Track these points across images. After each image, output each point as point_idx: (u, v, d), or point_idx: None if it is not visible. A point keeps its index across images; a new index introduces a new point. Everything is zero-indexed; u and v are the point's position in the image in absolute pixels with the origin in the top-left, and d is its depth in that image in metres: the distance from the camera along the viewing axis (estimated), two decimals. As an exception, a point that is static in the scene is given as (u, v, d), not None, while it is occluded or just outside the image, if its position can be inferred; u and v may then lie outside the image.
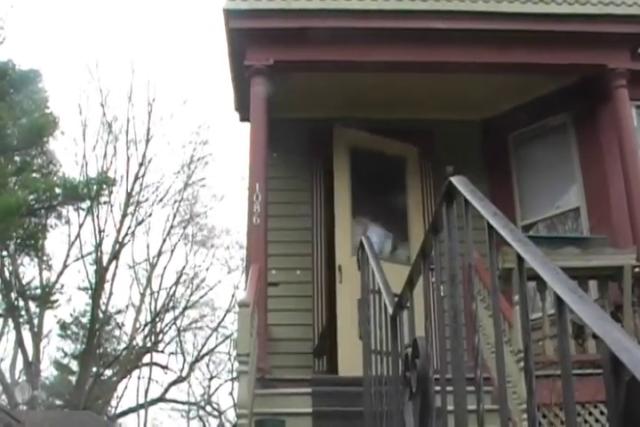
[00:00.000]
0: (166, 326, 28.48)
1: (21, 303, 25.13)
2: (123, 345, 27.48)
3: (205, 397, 30.93)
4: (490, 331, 6.64)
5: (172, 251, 28.11)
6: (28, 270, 25.58)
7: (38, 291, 24.86)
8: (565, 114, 9.49)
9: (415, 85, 9.27)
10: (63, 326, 27.22)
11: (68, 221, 25.16)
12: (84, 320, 26.34)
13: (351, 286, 7.88)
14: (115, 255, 25.45)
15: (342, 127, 8.99)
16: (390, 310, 3.64)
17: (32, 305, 25.49)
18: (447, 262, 2.77)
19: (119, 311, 27.35)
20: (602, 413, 6.64)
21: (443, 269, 2.92)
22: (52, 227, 24.05)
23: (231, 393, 28.58)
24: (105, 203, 25.10)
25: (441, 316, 3.03)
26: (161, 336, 28.28)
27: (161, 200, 27.30)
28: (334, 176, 8.65)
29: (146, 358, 27.92)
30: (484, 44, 8.41)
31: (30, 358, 25.09)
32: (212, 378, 31.14)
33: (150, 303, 27.85)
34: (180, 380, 29.30)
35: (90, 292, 25.31)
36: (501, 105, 9.71)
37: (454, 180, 2.67)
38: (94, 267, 25.28)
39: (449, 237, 2.75)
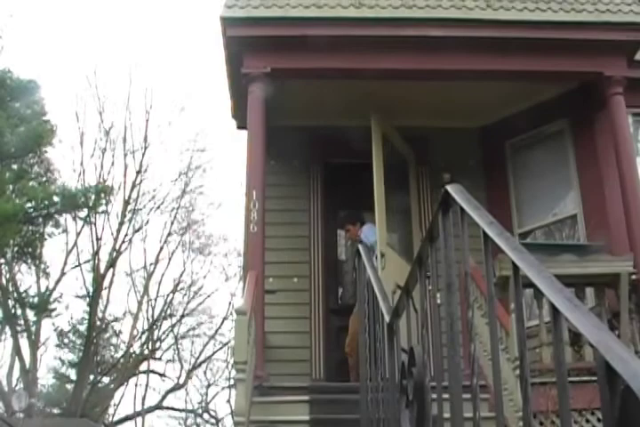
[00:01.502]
0: (163, 333, 28.45)
1: (19, 311, 25.08)
2: (120, 353, 27.43)
3: (203, 404, 30.88)
4: (486, 338, 6.63)
5: (170, 258, 28.09)
6: (26, 278, 25.57)
7: (36, 299, 24.81)
8: (562, 121, 9.50)
9: (412, 93, 9.28)
10: (60, 335, 27.18)
11: (65, 230, 25.13)
12: (82, 328, 26.30)
13: (391, 272, 7.90)
14: (112, 263, 25.41)
15: (378, 115, 8.97)
16: (387, 318, 3.64)
17: (29, 313, 25.44)
18: (444, 270, 2.77)
19: (116, 319, 27.31)
20: (599, 420, 6.63)
21: (439, 277, 2.92)
22: (49, 235, 24.03)
23: (229, 401, 28.52)
24: (103, 212, 25.08)
25: (437, 324, 3.03)
26: (158, 344, 28.25)
27: (158, 208, 27.29)
28: (374, 161, 8.58)
29: (143, 366, 27.88)
30: (480, 52, 8.43)
31: (27, 366, 25.03)
32: (209, 386, 31.09)
33: (147, 311, 27.81)
34: (177, 387, 29.24)
35: (87, 299, 25.28)
36: (498, 112, 9.72)
37: (450, 188, 2.67)
38: (92, 274, 25.25)
39: (445, 245, 2.75)
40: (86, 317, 25.48)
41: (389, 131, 9.22)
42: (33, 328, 25.63)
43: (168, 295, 28.13)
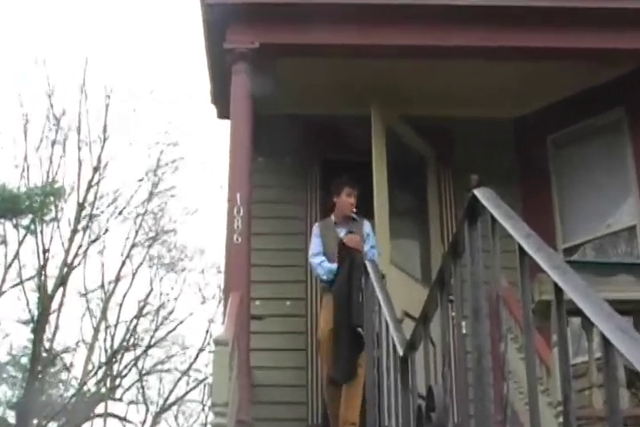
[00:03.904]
0: (125, 368, 28.41)
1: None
2: (71, 391, 27.42)
3: (173, 456, 30.87)
4: (523, 378, 6.63)
5: (134, 275, 28.07)
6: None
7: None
8: (618, 110, 9.50)
9: (433, 75, 9.30)
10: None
11: (4, 240, 25.13)
12: (24, 360, 26.27)
13: (397, 297, 7.89)
14: (62, 281, 25.39)
15: (380, 106, 8.99)
16: (400, 351, 3.65)
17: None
18: (470, 293, 2.78)
19: (67, 350, 27.29)
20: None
21: (465, 302, 2.93)
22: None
23: (205, 452, 28.51)
24: (52, 219, 25.05)
25: (462, 359, 3.04)
26: (118, 381, 28.21)
27: (120, 213, 27.29)
28: (374, 160, 8.62)
29: (100, 408, 27.86)
30: (517, 25, 8.44)
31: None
32: (181, 433, 31.08)
33: (106, 340, 27.79)
34: (141, 435, 29.23)
35: (31, 325, 25.26)
36: (539, 99, 9.73)
37: (479, 193, 2.69)
38: (37, 295, 25.23)
39: (472, 262, 2.76)
40: (30, 346, 25.46)
41: (396, 122, 9.23)
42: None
43: (131, 321, 28.12)
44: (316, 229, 8.19)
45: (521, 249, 2.39)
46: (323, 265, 7.77)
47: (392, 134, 9.07)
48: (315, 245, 7.99)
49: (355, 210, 8.13)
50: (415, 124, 9.45)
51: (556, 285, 2.15)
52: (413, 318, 6.13)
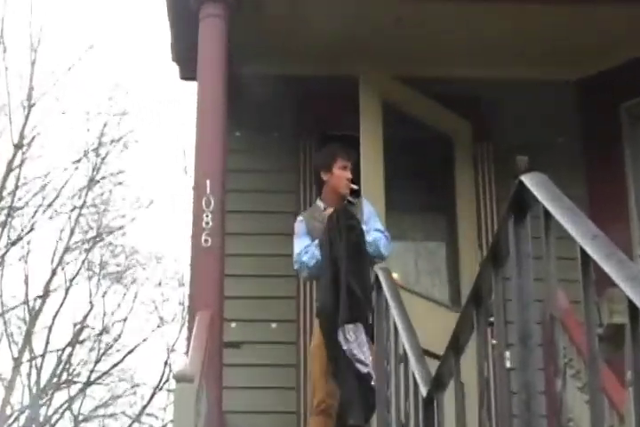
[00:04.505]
0: (56, 412, 28.44)
1: None
2: (-16, 444, 27.51)
3: None
4: (587, 425, 6.65)
5: (68, 289, 28.08)
6: None
7: None
8: None
9: (466, 23, 9.30)
10: None
11: None
12: None
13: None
14: (-27, 296, 25.46)
15: (372, 73, 9.02)
16: (423, 390, 3.67)
17: None
18: (516, 313, 2.79)
19: (-21, 388, 27.36)
20: None
21: (509, 325, 2.94)
22: None
23: None
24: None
25: (505, 401, 3.05)
26: (47, 429, 28.28)
27: (50, 206, 27.30)
28: (362, 148, 8.66)
29: (23, 466, 27.94)
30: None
31: None
32: None
33: (30, 375, 27.82)
34: None
35: None
36: (610, 55, 9.73)
37: (528, 179, 2.70)
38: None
39: (519, 273, 2.77)
40: None
41: (400, 88, 9.24)
42: None
43: (64, 350, 28.14)
44: (298, 225, 7.95)
45: (584, 254, 2.39)
46: (310, 253, 7.61)
47: (391, 105, 9.08)
48: (299, 246, 7.77)
49: (355, 187, 8.01)
50: (443, 88, 9.45)
51: (631, 302, 2.15)
52: (432, 354, 6.01)
